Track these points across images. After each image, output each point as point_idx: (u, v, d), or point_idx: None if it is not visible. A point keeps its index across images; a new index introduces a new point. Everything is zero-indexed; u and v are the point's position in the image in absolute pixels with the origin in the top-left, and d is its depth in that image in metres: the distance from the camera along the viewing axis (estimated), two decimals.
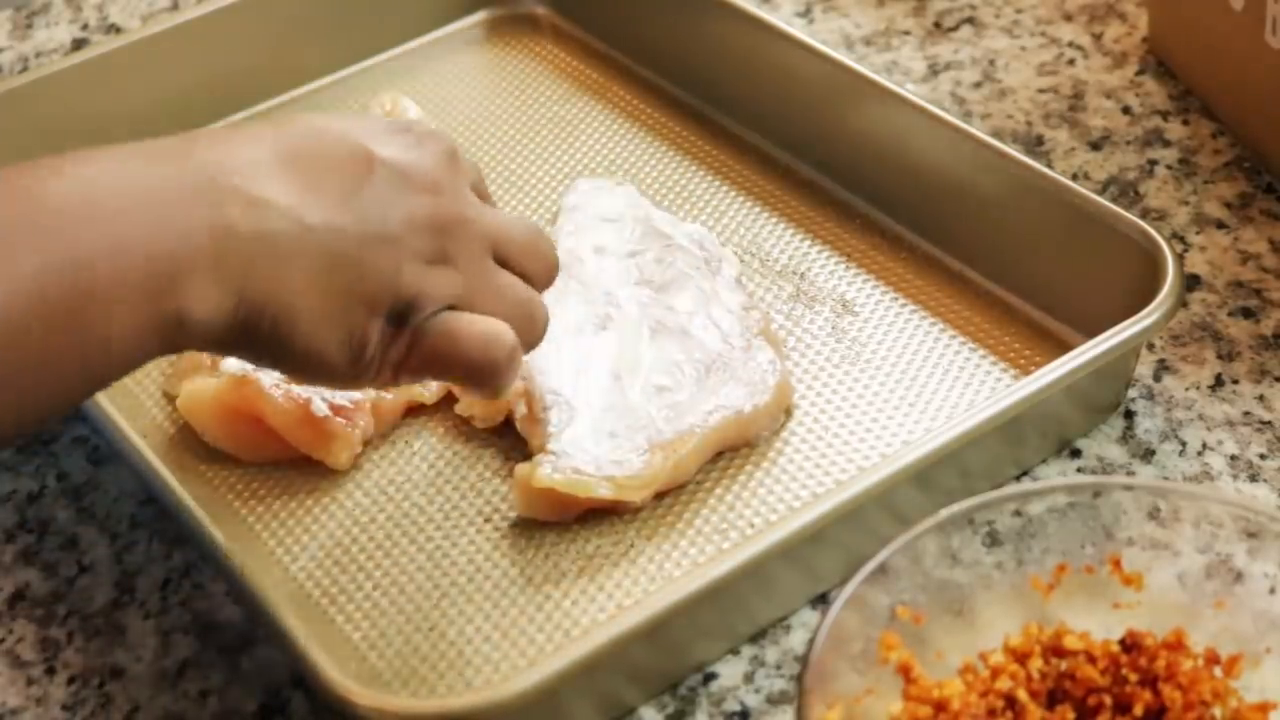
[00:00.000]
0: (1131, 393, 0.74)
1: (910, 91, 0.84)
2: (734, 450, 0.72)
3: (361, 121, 0.62)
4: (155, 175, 0.55)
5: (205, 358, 0.75)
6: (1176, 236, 0.82)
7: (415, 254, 0.58)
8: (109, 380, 0.55)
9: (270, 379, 0.72)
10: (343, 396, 0.72)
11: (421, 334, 0.59)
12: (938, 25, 0.99)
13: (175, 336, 0.55)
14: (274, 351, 0.57)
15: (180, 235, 0.54)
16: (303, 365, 0.58)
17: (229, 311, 0.55)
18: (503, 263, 0.62)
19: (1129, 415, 0.73)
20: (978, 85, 0.94)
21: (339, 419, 0.72)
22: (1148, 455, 0.72)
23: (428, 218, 0.59)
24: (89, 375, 0.54)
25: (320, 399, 0.72)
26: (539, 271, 0.64)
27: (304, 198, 0.56)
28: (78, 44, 1.05)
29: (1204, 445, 0.72)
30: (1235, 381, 0.75)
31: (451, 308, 0.60)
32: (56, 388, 0.54)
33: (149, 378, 0.77)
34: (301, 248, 0.56)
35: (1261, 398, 0.74)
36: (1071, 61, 0.95)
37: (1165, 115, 0.90)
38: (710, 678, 0.64)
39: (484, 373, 0.60)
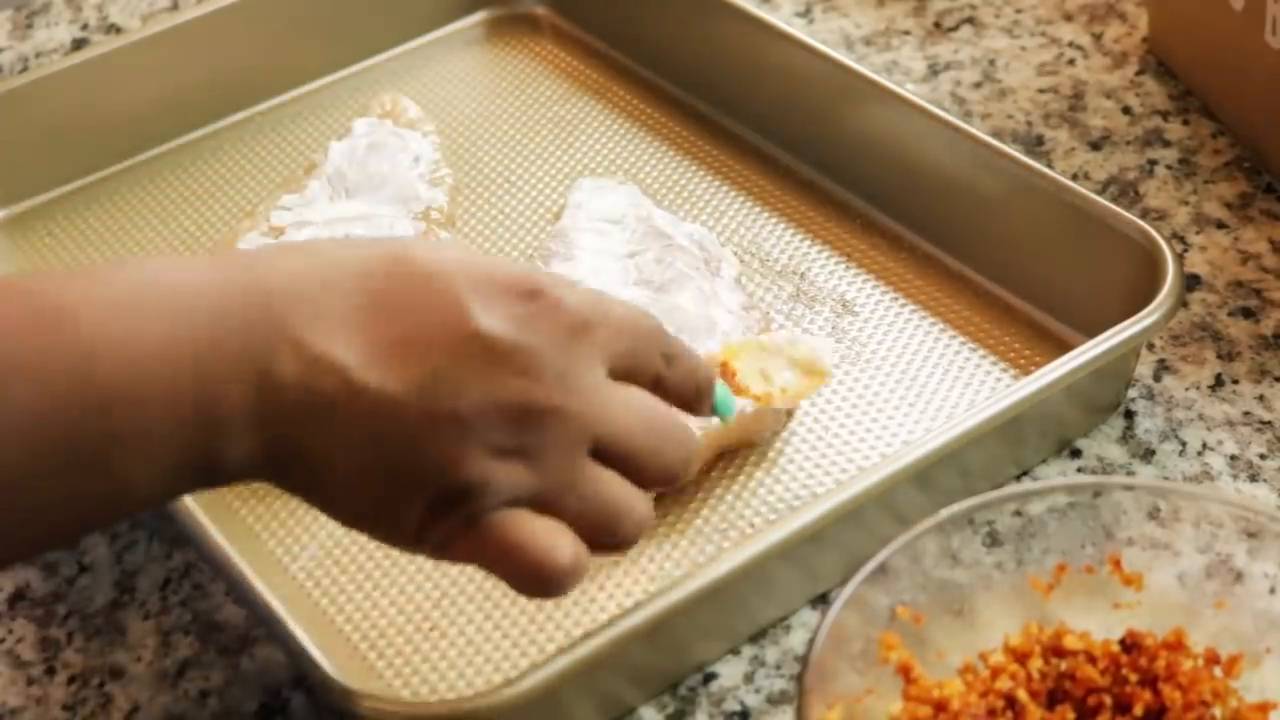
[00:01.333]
0: (1131, 393, 0.74)
1: (910, 91, 0.84)
2: (734, 450, 0.72)
3: (480, 272, 0.52)
4: (206, 302, 0.50)
5: None
6: (1176, 236, 0.82)
7: (485, 443, 0.51)
8: (130, 516, 0.52)
9: None
10: None
11: (473, 527, 0.52)
12: (938, 25, 0.99)
13: (206, 479, 0.51)
14: (306, 497, 0.53)
15: (223, 389, 0.49)
16: (336, 516, 0.54)
17: (261, 457, 0.51)
18: (608, 458, 0.54)
19: (1129, 415, 0.73)
20: (978, 85, 0.94)
21: None
22: (1148, 455, 0.72)
23: (513, 406, 0.51)
24: (107, 514, 0.51)
25: None
26: (653, 473, 0.55)
27: (371, 359, 0.50)
28: (78, 44, 1.05)
29: (1204, 445, 0.72)
30: (1235, 381, 0.75)
31: (520, 500, 0.53)
32: (70, 525, 0.51)
33: None
34: (351, 414, 0.50)
35: (1261, 398, 0.74)
36: (1071, 61, 0.95)
37: (1165, 115, 0.90)
38: (710, 678, 0.64)
39: (530, 587, 0.54)
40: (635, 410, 0.55)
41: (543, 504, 0.53)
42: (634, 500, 0.55)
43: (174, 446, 0.49)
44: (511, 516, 0.52)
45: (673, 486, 0.57)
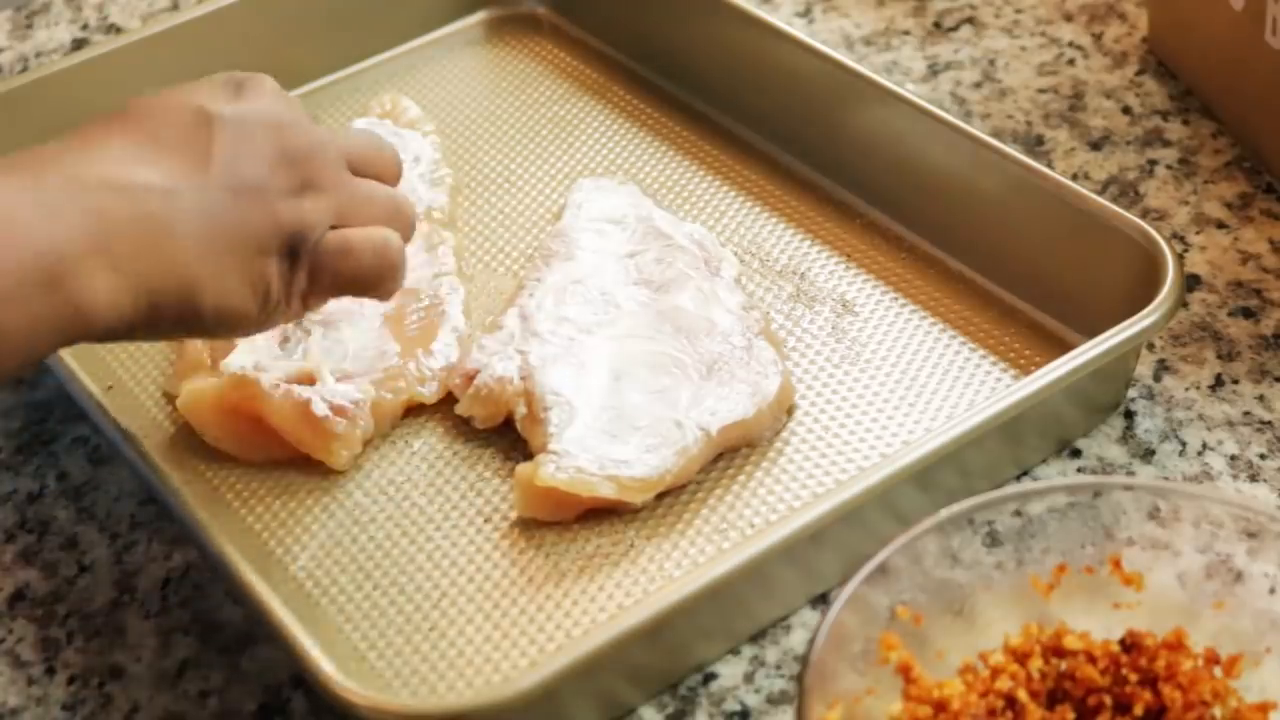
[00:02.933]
0: (1131, 393, 0.74)
1: (910, 91, 0.84)
2: (734, 450, 0.72)
3: (189, 87, 0.63)
4: (17, 185, 0.56)
5: (205, 357, 0.75)
6: (1176, 236, 0.82)
7: (282, 190, 0.61)
8: (7, 375, 0.57)
9: (270, 379, 0.72)
10: (343, 396, 0.72)
11: (317, 259, 0.62)
12: (938, 25, 0.99)
13: (77, 327, 0.56)
14: (186, 321, 0.60)
15: (59, 231, 0.55)
16: (216, 325, 0.61)
17: (130, 298, 0.57)
18: (356, 173, 0.65)
19: (1129, 415, 0.73)
20: (978, 85, 0.94)
21: (339, 419, 0.72)
22: (1148, 455, 0.72)
23: (281, 153, 0.61)
24: None
25: (320, 399, 0.72)
26: (388, 171, 0.67)
27: (166, 172, 0.59)
28: (78, 44, 1.05)
29: (1204, 445, 0.72)
30: (1235, 381, 0.75)
31: (333, 227, 0.63)
32: None
33: (149, 377, 0.77)
34: (180, 218, 0.58)
35: (1261, 398, 0.74)
36: (1071, 61, 0.95)
37: (1165, 115, 0.90)
38: (710, 678, 0.64)
39: (384, 276, 0.64)
40: (348, 132, 0.70)
41: (345, 219, 0.63)
42: (397, 194, 0.67)
43: (39, 292, 0.55)
44: (338, 233, 0.63)
45: (399, 177, 0.69)
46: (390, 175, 0.68)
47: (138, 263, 0.57)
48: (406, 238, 0.66)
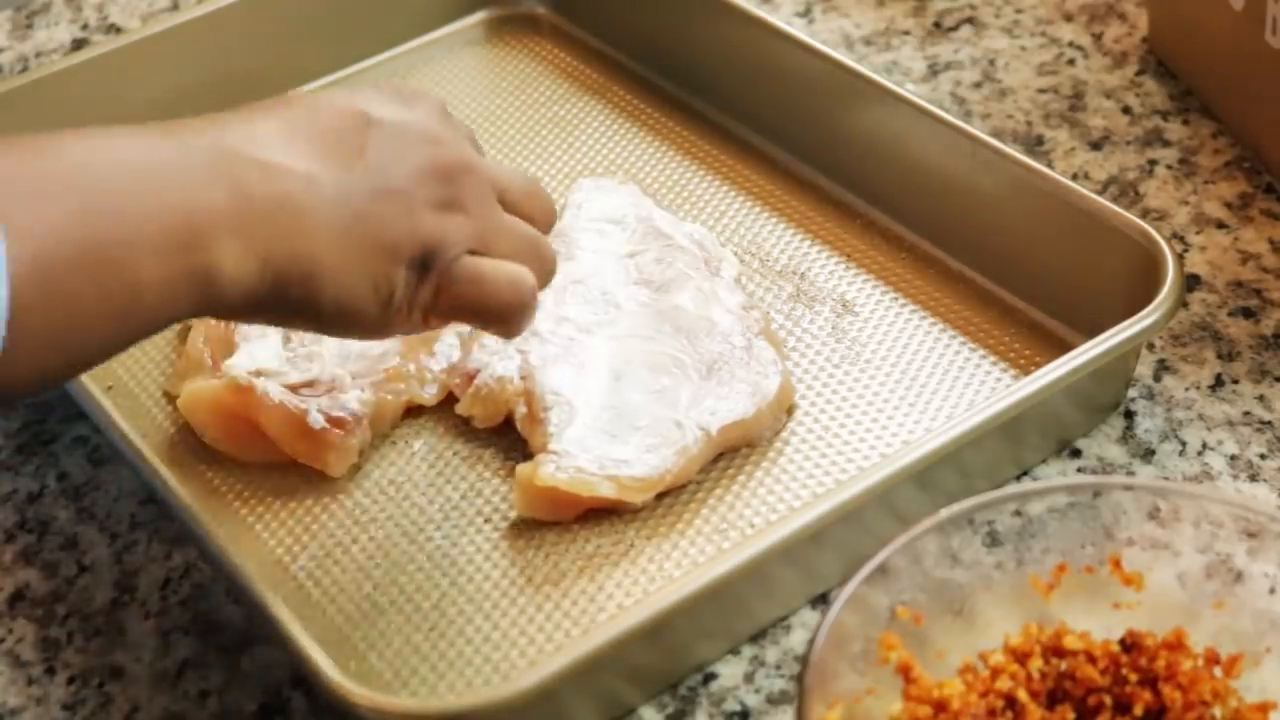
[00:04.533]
0: (1131, 393, 0.74)
1: (910, 91, 0.84)
2: (735, 450, 0.72)
3: (354, 91, 0.64)
4: (170, 147, 0.57)
5: (206, 357, 0.75)
6: (1176, 236, 0.82)
7: (426, 202, 0.61)
8: (141, 333, 0.56)
9: (269, 388, 0.72)
10: (339, 408, 0.72)
11: (448, 278, 0.61)
12: (938, 25, 0.99)
13: (206, 294, 0.56)
14: (306, 308, 0.59)
15: (201, 198, 0.55)
16: (334, 318, 0.60)
17: (257, 272, 0.56)
18: (507, 208, 0.64)
19: (1129, 415, 0.73)
20: (978, 85, 0.94)
21: (336, 430, 0.71)
22: (1148, 455, 0.72)
23: (433, 167, 0.61)
24: (122, 326, 0.55)
25: (316, 411, 0.71)
26: (540, 216, 0.66)
27: (312, 161, 0.59)
28: (78, 44, 1.05)
29: (1204, 445, 0.72)
30: (1235, 381, 0.75)
31: (471, 252, 0.62)
32: (89, 337, 0.54)
33: (149, 377, 0.77)
34: (317, 206, 0.58)
35: (1261, 398, 0.74)
36: (1071, 61, 0.95)
37: (1165, 115, 0.90)
38: (710, 678, 0.64)
39: (511, 312, 0.63)
40: (507, 168, 0.67)
41: (485, 249, 0.62)
42: (543, 238, 0.65)
43: (177, 251, 0.54)
44: (475, 259, 0.62)
45: (551, 227, 0.67)
46: (543, 220, 0.66)
47: (269, 240, 0.57)
48: (544, 283, 0.65)
